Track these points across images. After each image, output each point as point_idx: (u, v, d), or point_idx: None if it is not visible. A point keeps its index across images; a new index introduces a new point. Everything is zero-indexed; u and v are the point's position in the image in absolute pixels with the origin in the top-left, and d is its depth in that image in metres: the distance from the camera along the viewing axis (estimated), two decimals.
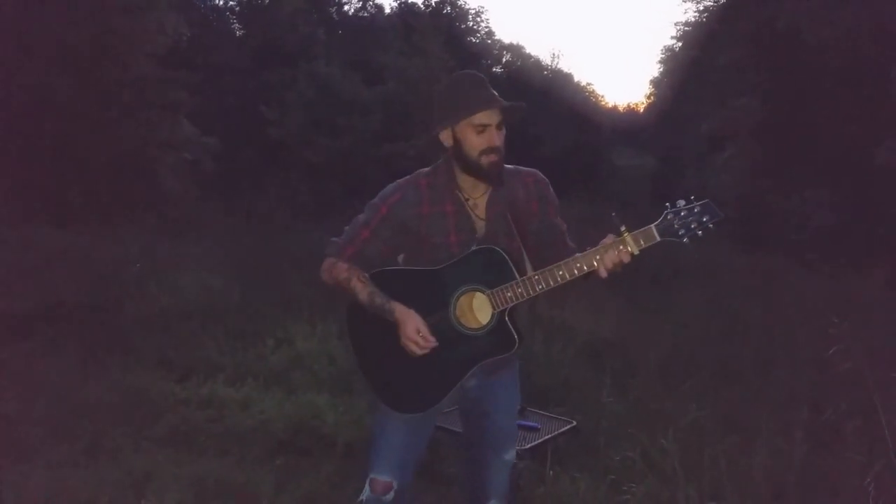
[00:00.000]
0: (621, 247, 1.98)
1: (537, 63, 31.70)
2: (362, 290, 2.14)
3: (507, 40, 40.77)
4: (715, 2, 16.61)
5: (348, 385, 4.56)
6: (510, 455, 2.35)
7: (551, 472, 3.22)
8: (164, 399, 4.38)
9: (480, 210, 2.18)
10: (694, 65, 18.73)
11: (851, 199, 9.82)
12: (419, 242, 2.16)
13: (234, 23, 22.10)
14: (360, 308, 2.17)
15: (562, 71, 32.90)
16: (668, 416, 3.61)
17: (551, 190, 2.27)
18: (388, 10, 26.45)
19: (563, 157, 20.65)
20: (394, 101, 17.30)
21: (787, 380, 4.30)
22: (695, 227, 1.96)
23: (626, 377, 4.62)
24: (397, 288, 2.13)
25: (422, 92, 15.53)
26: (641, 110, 38.04)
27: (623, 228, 1.98)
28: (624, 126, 35.32)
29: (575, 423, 3.61)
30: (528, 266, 2.15)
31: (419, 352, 2.08)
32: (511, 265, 2.08)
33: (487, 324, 2.09)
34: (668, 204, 2.00)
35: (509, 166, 2.21)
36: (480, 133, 2.07)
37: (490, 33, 31.22)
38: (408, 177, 2.23)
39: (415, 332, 2.07)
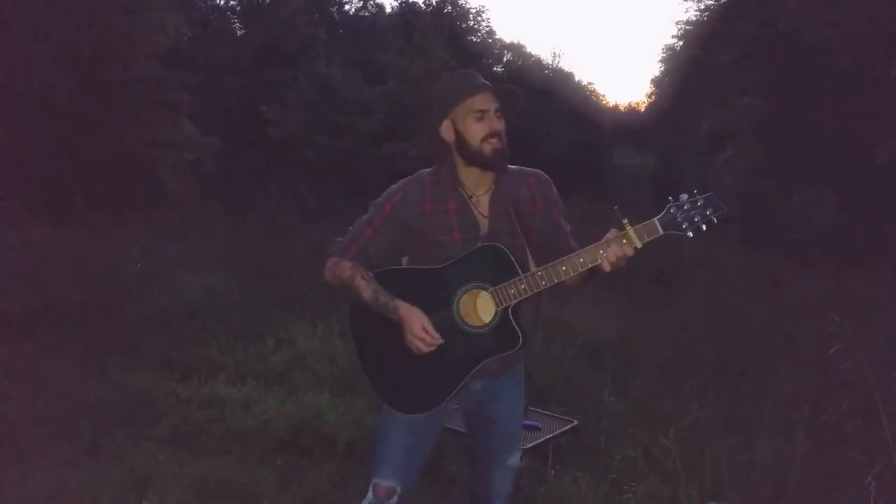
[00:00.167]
0: (624, 241, 1.97)
1: (538, 62, 31.74)
2: (366, 288, 2.12)
3: (508, 39, 40.84)
4: (716, 1, 16.59)
5: (350, 385, 4.56)
6: (514, 459, 2.33)
7: (552, 472, 3.22)
8: (165, 399, 4.38)
9: (483, 207, 2.17)
10: (695, 64, 18.73)
11: (853, 199, 9.82)
12: (422, 242, 2.16)
13: (234, 22, 22.12)
14: (363, 307, 2.16)
15: (563, 70, 32.95)
16: (669, 416, 3.61)
17: (554, 190, 2.26)
18: (388, 10, 26.49)
19: (565, 156, 20.64)
20: (395, 101, 17.30)
21: (788, 379, 4.30)
22: (698, 221, 1.95)
23: (627, 377, 4.62)
24: (400, 287, 2.12)
25: (423, 91, 15.53)
26: (643, 109, 37.99)
27: (626, 222, 1.97)
28: (625, 125, 35.29)
29: (576, 422, 3.61)
30: (532, 265, 2.13)
31: (425, 349, 2.06)
32: (514, 261, 2.07)
33: (491, 321, 2.08)
34: (670, 197, 1.99)
35: (513, 167, 2.21)
36: (479, 120, 2.07)
37: (491, 32, 31.25)
38: (411, 176, 2.23)
39: (420, 329, 2.05)
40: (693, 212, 1.95)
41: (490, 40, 30.47)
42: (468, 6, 29.12)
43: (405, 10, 23.93)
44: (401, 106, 16.98)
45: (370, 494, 2.19)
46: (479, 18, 29.83)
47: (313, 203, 14.02)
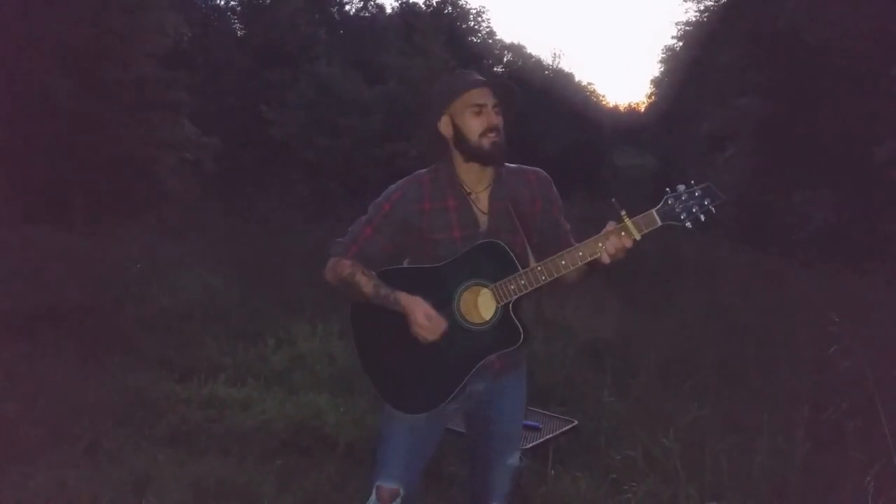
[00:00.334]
0: (623, 233, 1.96)
1: (538, 63, 31.77)
2: (366, 283, 2.11)
3: (508, 40, 40.87)
4: (716, 1, 16.63)
5: (349, 385, 4.56)
6: (513, 459, 2.32)
7: (552, 472, 3.22)
8: (164, 399, 4.38)
9: (483, 204, 2.16)
10: (695, 64, 18.75)
11: (852, 199, 9.84)
12: (422, 241, 2.15)
13: (234, 23, 22.13)
14: (364, 306, 2.16)
15: (563, 71, 33.00)
16: (669, 416, 3.60)
17: (554, 189, 2.26)
18: (389, 10, 26.53)
19: (564, 156, 20.65)
20: (395, 101, 17.30)
21: (787, 379, 4.30)
22: (696, 211, 1.94)
23: (627, 377, 4.62)
24: (400, 286, 2.11)
25: (423, 92, 15.52)
26: (642, 110, 38.06)
27: (623, 213, 1.96)
28: (625, 126, 35.36)
29: (576, 422, 3.60)
30: (533, 262, 2.11)
31: (430, 337, 2.05)
32: (513, 257, 2.06)
33: (492, 318, 2.07)
34: (667, 189, 1.98)
35: (512, 165, 2.21)
36: (478, 114, 2.07)
37: (491, 33, 31.31)
38: (409, 176, 2.22)
39: (424, 317, 2.03)
40: (691, 202, 1.94)
41: (490, 41, 30.53)
42: (468, 7, 29.20)
43: (405, 11, 23.97)
44: (401, 106, 16.98)
45: (373, 497, 2.19)
46: (480, 19, 29.93)
47: (313, 203, 14.04)
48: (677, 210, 1.95)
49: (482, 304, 2.09)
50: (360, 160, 16.30)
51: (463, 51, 21.82)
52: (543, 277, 2.02)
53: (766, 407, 3.61)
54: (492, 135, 2.07)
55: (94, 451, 3.66)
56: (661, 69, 29.46)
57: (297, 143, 16.72)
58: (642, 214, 1.97)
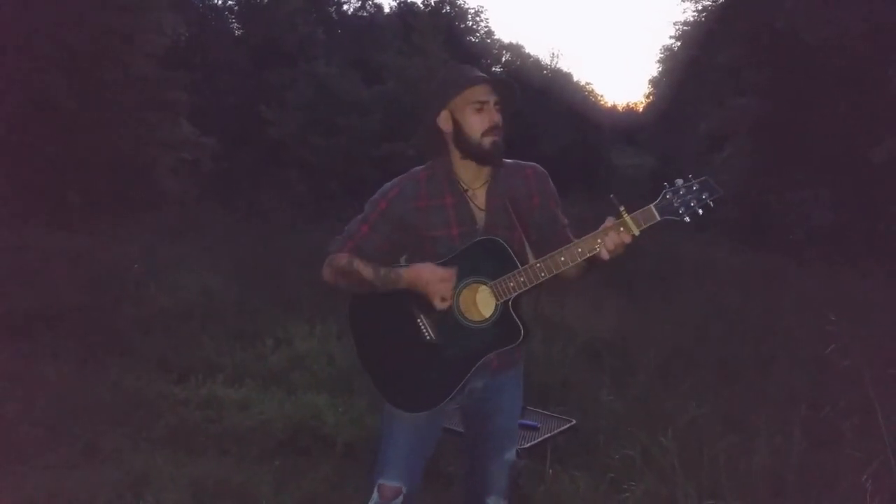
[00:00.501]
0: (622, 229, 1.96)
1: (537, 62, 31.65)
2: (364, 267, 2.09)
3: (506, 40, 40.74)
4: (714, 1, 16.62)
5: (348, 385, 4.56)
6: (510, 454, 2.33)
7: (551, 471, 3.22)
8: (162, 399, 4.37)
9: (480, 201, 2.16)
10: (693, 64, 18.73)
11: (850, 198, 9.85)
12: (419, 238, 2.14)
13: (232, 22, 22.07)
14: (363, 304, 2.15)
15: (561, 70, 32.80)
16: (668, 415, 3.61)
17: (551, 183, 2.25)
18: (387, 10, 26.44)
19: (563, 156, 20.61)
20: (393, 101, 17.27)
21: (785, 378, 4.31)
22: (694, 205, 1.94)
23: (626, 376, 4.62)
24: None
25: (421, 91, 15.51)
26: (640, 110, 38.02)
27: (622, 209, 1.96)
28: (623, 125, 35.33)
29: (574, 421, 3.61)
30: (531, 258, 2.11)
31: (443, 291, 2.02)
32: (511, 253, 2.05)
33: (491, 316, 2.06)
34: (665, 183, 1.98)
35: (509, 161, 2.20)
36: (479, 111, 2.06)
37: (489, 33, 31.20)
38: (406, 173, 2.22)
39: (432, 274, 2.02)
40: (689, 196, 1.94)
41: (488, 40, 30.45)
42: (467, 6, 29.10)
43: (403, 11, 23.92)
44: (399, 106, 16.95)
45: (375, 495, 2.18)
46: (478, 18, 29.81)
47: (311, 203, 14.02)
48: (675, 205, 1.95)
49: (481, 302, 2.08)
50: (359, 160, 16.27)
51: (461, 50, 21.78)
52: (543, 274, 2.01)
53: (764, 406, 3.63)
54: (493, 135, 2.06)
55: (92, 451, 3.66)
56: (659, 69, 29.42)
57: (296, 142, 16.69)
58: (641, 210, 1.97)
